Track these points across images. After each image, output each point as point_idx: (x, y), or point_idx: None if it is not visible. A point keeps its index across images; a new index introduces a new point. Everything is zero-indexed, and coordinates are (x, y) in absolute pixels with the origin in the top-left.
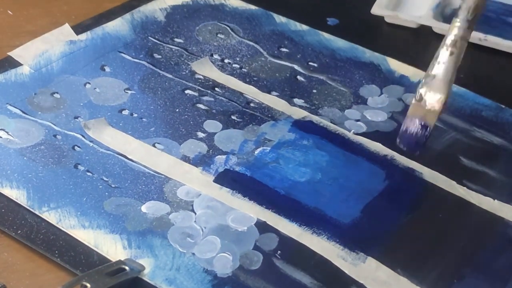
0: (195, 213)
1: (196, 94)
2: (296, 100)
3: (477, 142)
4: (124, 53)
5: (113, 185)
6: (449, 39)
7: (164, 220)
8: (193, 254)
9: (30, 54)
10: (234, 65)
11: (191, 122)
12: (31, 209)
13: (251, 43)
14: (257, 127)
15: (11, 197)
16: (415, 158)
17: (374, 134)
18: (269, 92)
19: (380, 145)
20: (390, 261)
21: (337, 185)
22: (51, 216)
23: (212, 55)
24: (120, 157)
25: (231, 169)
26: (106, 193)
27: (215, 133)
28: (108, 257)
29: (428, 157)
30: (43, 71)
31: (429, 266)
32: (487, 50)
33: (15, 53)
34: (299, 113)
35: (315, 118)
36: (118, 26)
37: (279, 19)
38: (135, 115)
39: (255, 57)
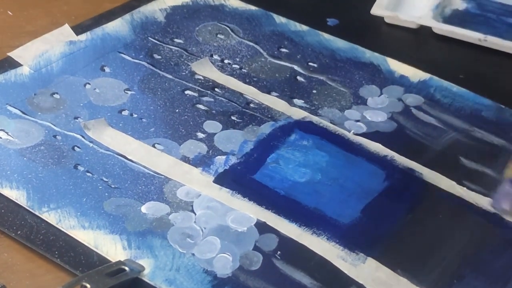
0: (195, 214)
1: (196, 94)
2: (296, 101)
3: (477, 142)
4: (124, 54)
5: (113, 186)
6: None
7: (164, 221)
8: (193, 254)
9: (30, 55)
10: (234, 66)
11: (191, 123)
12: (31, 210)
13: (251, 43)
14: (257, 128)
15: (11, 198)
16: (415, 159)
17: (374, 135)
18: (269, 93)
19: (380, 145)
20: (390, 261)
21: (337, 186)
22: (51, 217)
23: (212, 55)
24: (120, 157)
25: (231, 169)
26: (106, 194)
27: (215, 134)
28: (108, 258)
29: (428, 157)
30: (43, 72)
31: (429, 266)
32: (487, 50)
33: (15, 54)
34: (299, 114)
35: (315, 119)
36: (118, 26)
37: (279, 19)
38: (135, 115)
39: (255, 58)
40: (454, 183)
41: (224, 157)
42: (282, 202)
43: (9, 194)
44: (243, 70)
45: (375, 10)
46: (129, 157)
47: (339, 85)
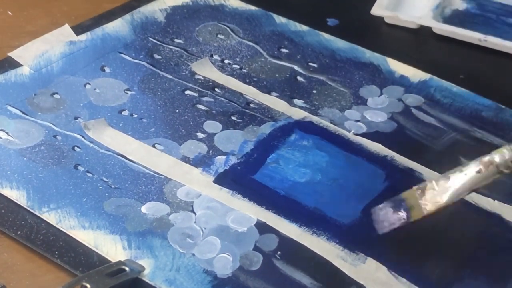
0: (195, 214)
1: (196, 94)
2: (296, 101)
3: (477, 142)
4: (124, 54)
5: (113, 186)
6: (487, 158)
7: (164, 221)
8: (193, 254)
9: (30, 55)
10: (234, 66)
11: (191, 123)
12: (31, 210)
13: (251, 43)
14: (257, 128)
15: (11, 198)
16: (415, 159)
17: (374, 135)
18: (269, 93)
19: (380, 145)
20: (390, 261)
21: (337, 186)
22: (51, 217)
23: (212, 55)
24: (120, 157)
25: (231, 169)
26: (106, 194)
27: (215, 134)
28: (108, 258)
29: (428, 158)
30: (43, 72)
31: (429, 266)
32: (487, 50)
33: (15, 54)
34: (299, 114)
35: (315, 119)
36: (118, 26)
37: (279, 19)
38: (135, 115)
39: (255, 58)
40: None
41: (224, 157)
42: (282, 202)
43: (9, 194)
44: (243, 70)
45: (375, 10)
46: (129, 157)
47: (339, 85)
